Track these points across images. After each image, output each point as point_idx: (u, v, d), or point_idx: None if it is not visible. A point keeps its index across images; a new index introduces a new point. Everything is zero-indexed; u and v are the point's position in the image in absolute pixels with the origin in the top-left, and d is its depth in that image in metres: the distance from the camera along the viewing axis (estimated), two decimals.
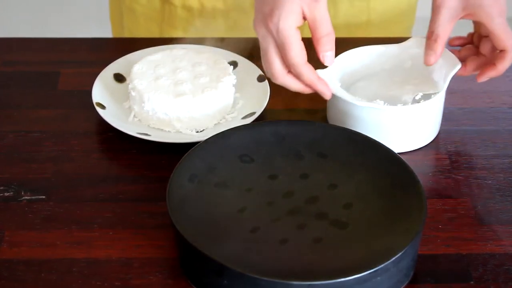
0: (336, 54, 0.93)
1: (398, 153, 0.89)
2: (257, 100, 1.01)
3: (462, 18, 0.97)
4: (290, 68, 0.91)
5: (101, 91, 1.02)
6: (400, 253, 0.78)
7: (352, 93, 0.98)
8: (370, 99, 0.97)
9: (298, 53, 0.89)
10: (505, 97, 1.06)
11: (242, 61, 1.07)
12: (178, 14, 1.19)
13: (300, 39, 0.89)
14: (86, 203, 0.90)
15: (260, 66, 1.05)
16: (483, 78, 0.98)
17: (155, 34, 1.22)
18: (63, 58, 1.12)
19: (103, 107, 0.99)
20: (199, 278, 0.80)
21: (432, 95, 0.97)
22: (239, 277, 0.76)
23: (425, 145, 0.98)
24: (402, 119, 0.96)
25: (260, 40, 0.92)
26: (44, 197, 0.91)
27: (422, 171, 0.93)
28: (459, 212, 0.90)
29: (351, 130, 0.92)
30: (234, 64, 1.06)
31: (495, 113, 1.04)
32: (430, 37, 0.96)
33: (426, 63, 0.97)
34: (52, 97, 1.05)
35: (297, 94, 1.05)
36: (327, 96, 0.93)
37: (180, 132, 0.98)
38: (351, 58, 1.02)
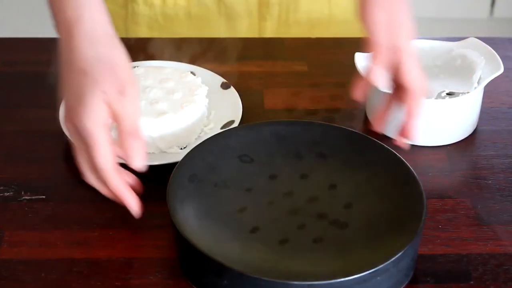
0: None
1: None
2: (229, 107, 1.00)
3: None
4: (96, 173, 0.82)
5: None
6: (400, 253, 0.78)
7: None
8: None
9: (103, 155, 0.80)
10: (505, 97, 1.06)
11: (200, 70, 1.06)
12: (141, 10, 1.20)
13: (108, 139, 0.80)
14: (86, 203, 0.90)
15: (222, 72, 1.04)
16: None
17: (121, 31, 1.22)
18: None
19: None
20: (199, 278, 0.80)
21: (461, 94, 0.98)
22: (239, 277, 0.76)
23: (425, 145, 0.99)
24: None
25: (71, 138, 0.83)
26: (44, 197, 0.91)
27: (422, 171, 0.93)
28: (459, 212, 0.90)
29: (351, 130, 0.92)
30: (193, 75, 1.04)
31: (495, 113, 1.04)
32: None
33: None
34: (52, 97, 1.05)
35: (297, 94, 1.05)
36: (134, 212, 0.83)
37: (165, 152, 0.95)
38: None
